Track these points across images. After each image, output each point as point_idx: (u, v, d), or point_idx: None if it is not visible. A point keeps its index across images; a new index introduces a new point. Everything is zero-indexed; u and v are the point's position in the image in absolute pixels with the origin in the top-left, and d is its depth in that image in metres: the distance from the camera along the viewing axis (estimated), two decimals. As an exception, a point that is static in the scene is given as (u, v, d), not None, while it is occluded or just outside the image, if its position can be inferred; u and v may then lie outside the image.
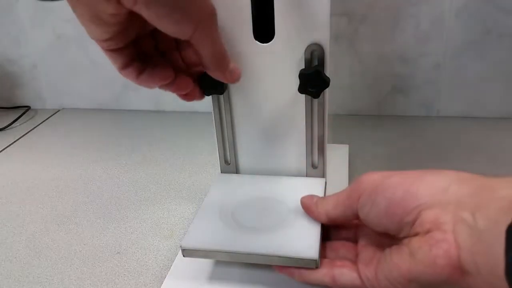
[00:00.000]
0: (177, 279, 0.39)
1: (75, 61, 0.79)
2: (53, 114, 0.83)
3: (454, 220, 0.27)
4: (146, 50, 0.32)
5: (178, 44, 0.34)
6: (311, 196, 0.38)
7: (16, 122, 0.79)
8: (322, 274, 0.34)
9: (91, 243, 0.48)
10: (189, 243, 0.36)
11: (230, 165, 0.46)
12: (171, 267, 0.40)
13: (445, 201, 0.28)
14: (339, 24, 0.67)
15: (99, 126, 0.77)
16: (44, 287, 0.42)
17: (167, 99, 0.80)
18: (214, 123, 0.44)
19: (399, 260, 0.30)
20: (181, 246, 0.36)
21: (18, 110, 0.83)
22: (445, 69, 0.68)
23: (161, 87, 0.33)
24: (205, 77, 0.35)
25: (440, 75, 0.68)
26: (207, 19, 0.28)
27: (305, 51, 0.38)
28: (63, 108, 0.85)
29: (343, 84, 0.71)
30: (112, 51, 0.30)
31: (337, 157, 0.57)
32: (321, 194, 0.41)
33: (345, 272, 0.34)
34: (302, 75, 0.37)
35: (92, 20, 0.27)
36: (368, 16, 0.66)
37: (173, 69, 0.32)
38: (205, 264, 0.39)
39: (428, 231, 0.28)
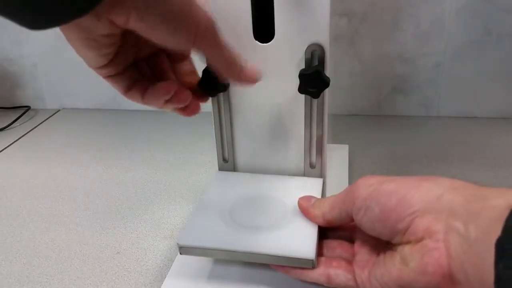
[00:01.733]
0: (177, 279, 0.39)
1: (75, 61, 0.78)
2: (53, 114, 0.83)
3: (446, 229, 0.28)
4: (144, 73, 0.33)
5: (173, 65, 0.34)
6: (309, 197, 0.38)
7: (16, 122, 0.79)
8: (318, 274, 0.35)
9: (91, 243, 0.48)
10: (186, 241, 0.36)
11: (228, 163, 0.46)
12: (171, 267, 0.40)
13: (438, 210, 0.28)
14: (339, 24, 0.67)
15: (99, 126, 0.77)
16: (44, 287, 0.42)
17: (167, 99, 0.80)
18: (213, 121, 0.44)
19: (391, 266, 0.30)
20: (178, 244, 0.36)
21: (18, 110, 0.83)
22: (445, 69, 0.68)
23: (165, 104, 0.33)
24: (205, 79, 0.35)
25: (440, 75, 0.68)
26: (206, 26, 0.27)
27: (305, 51, 0.38)
28: (63, 108, 0.85)
29: (343, 84, 0.71)
30: (111, 77, 0.30)
31: (337, 157, 0.57)
32: (318, 194, 0.40)
33: (340, 273, 0.34)
34: (302, 75, 0.37)
35: (86, 44, 0.27)
36: (368, 16, 0.66)
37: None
38: (205, 264, 0.39)
39: (420, 239, 0.29)
